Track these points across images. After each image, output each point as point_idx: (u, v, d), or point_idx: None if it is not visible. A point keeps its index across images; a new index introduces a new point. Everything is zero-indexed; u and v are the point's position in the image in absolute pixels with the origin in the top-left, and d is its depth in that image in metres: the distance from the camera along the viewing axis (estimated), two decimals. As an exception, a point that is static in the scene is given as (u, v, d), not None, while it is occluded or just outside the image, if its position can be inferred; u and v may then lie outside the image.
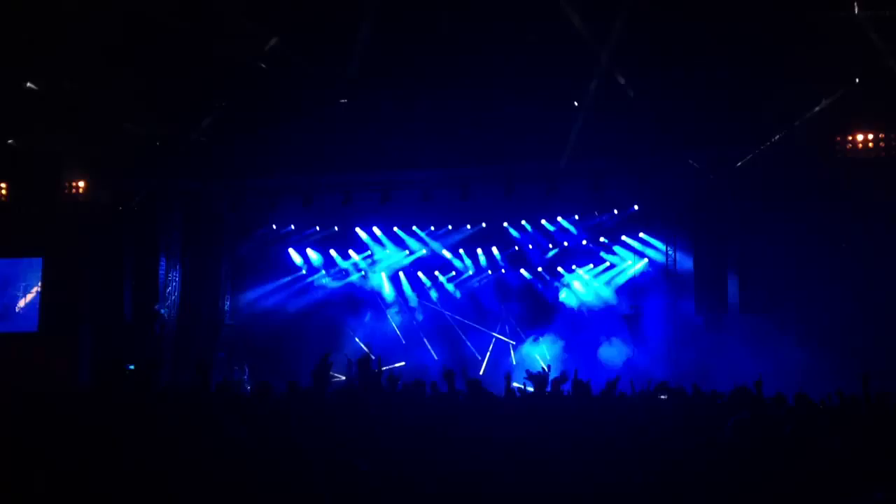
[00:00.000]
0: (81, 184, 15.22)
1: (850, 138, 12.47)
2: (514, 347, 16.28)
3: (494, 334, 16.37)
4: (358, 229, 16.76)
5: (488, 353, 16.37)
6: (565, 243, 16.19)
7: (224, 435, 5.13)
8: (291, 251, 17.17)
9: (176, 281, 16.25)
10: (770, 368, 10.38)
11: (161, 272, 16.02)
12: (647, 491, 4.55)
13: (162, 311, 15.44)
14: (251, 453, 4.93)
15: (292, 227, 16.87)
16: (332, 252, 17.10)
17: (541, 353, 15.65)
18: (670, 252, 15.21)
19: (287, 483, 4.60)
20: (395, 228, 16.68)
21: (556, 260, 16.32)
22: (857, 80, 11.30)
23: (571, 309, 16.07)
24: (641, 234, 15.70)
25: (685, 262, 15.09)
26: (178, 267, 16.34)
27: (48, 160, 14.57)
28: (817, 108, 11.91)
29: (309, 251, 17.19)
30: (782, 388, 8.44)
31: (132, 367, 8.25)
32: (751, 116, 12.37)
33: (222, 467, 4.66)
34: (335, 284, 17.25)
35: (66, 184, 15.16)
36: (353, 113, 13.19)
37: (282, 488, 4.50)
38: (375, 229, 16.74)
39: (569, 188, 14.84)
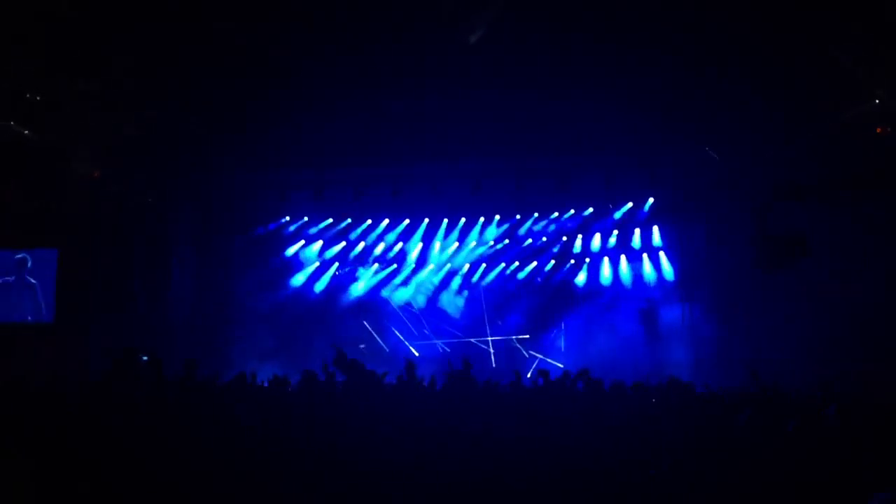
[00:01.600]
0: (94, 175, 15.27)
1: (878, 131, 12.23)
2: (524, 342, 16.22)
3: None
4: (368, 221, 16.82)
5: (491, 348, 16.33)
6: (579, 236, 16.08)
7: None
8: (301, 243, 17.16)
9: (188, 273, 16.28)
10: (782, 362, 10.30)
11: (174, 264, 16.07)
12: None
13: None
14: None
15: (305, 218, 16.87)
16: (342, 244, 17.10)
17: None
18: (683, 245, 15.13)
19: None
20: (406, 220, 16.70)
21: (571, 253, 16.19)
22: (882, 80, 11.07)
23: (585, 299, 15.95)
24: (655, 228, 15.60)
25: (698, 256, 15.01)
26: (191, 259, 16.36)
27: (60, 152, 14.60)
28: (842, 103, 11.73)
29: (319, 244, 17.18)
30: (798, 385, 8.41)
31: (146, 357, 8.26)
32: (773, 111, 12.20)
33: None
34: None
35: (79, 176, 15.19)
36: (364, 108, 13.16)
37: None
38: (385, 222, 16.77)
39: (581, 181, 14.84)
